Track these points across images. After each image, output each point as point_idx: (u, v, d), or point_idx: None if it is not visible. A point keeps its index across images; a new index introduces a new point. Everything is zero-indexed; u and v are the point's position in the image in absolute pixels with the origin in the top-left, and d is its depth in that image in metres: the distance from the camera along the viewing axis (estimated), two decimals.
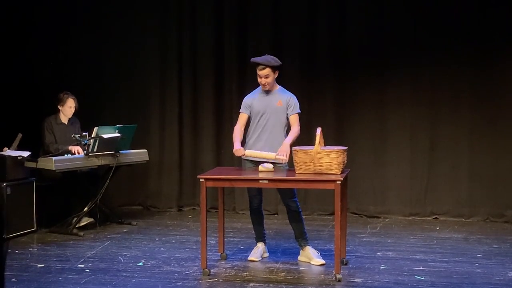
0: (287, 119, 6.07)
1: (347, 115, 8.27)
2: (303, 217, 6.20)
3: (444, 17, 7.96)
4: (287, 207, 6.13)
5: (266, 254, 6.29)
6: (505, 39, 7.83)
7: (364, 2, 8.17)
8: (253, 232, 6.33)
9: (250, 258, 6.16)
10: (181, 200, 8.74)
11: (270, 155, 5.91)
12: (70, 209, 7.43)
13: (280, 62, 6.03)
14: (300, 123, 6.11)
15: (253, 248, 6.27)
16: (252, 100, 6.13)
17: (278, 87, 6.13)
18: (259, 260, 6.15)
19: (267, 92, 6.08)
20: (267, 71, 5.95)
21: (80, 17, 8.73)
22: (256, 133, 6.09)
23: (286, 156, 5.82)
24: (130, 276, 5.69)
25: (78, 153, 7.33)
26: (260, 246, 6.26)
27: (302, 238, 6.16)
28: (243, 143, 6.12)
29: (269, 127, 6.04)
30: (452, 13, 7.93)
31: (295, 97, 6.12)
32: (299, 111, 6.10)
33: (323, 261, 6.00)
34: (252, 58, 6.08)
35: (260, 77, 5.98)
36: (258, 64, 5.97)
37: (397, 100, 8.16)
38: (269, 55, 6.06)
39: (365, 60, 8.18)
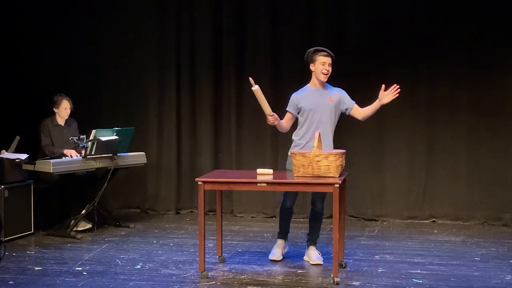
0: (339, 114, 6.19)
1: (344, 117, 8.23)
2: (322, 221, 6.26)
3: (443, 19, 7.97)
4: (313, 205, 6.18)
5: (286, 249, 6.36)
6: (504, 41, 7.84)
7: (362, 5, 8.18)
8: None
9: (271, 258, 6.22)
10: (179, 203, 8.74)
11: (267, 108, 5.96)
12: (68, 212, 7.43)
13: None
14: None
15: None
16: (300, 98, 6.13)
17: (326, 83, 6.16)
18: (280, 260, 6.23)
19: (318, 88, 6.09)
20: (331, 60, 6.03)
21: (78, 20, 8.71)
22: (308, 131, 6.08)
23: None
24: (127, 279, 5.68)
25: (72, 157, 7.32)
26: (281, 243, 6.32)
27: (311, 238, 6.22)
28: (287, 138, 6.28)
29: (320, 124, 6.04)
30: (451, 14, 7.94)
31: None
32: None
33: (319, 262, 6.06)
34: (311, 49, 6.10)
35: (324, 64, 6.00)
36: (323, 50, 6.03)
37: (395, 103, 8.09)
38: None
39: (363, 63, 8.18)
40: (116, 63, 8.72)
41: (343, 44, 8.21)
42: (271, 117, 5.96)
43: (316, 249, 6.22)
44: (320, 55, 6.01)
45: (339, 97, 6.12)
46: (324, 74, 6.02)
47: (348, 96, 6.17)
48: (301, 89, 6.22)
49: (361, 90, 8.17)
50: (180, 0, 8.60)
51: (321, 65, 6.01)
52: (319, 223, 6.23)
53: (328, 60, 6.01)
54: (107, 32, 8.72)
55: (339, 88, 6.19)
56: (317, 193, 6.10)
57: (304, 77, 8.30)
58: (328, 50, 6.05)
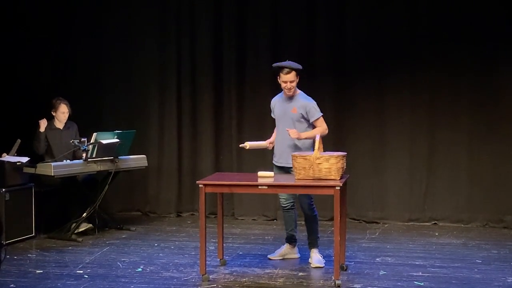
0: (310, 126, 6.07)
1: (346, 120, 8.26)
2: (318, 222, 6.26)
3: (443, 22, 7.96)
4: (302, 208, 6.18)
5: (294, 256, 6.37)
6: (504, 44, 7.84)
7: (363, 8, 8.18)
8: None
9: (268, 256, 6.34)
10: (180, 205, 8.73)
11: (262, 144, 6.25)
12: (69, 215, 7.43)
13: (301, 66, 6.05)
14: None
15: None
16: (274, 104, 6.22)
17: (299, 92, 6.13)
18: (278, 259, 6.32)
19: (286, 98, 6.10)
20: (293, 75, 5.96)
21: (79, 23, 8.72)
22: (278, 140, 6.15)
23: (295, 133, 5.87)
24: (128, 282, 5.68)
25: (40, 126, 7.48)
26: (285, 247, 6.37)
27: (309, 241, 6.23)
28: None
29: (283, 133, 6.03)
30: (451, 18, 7.94)
31: (313, 102, 6.09)
32: (321, 114, 6.08)
33: (319, 265, 6.06)
34: (274, 64, 6.08)
35: (285, 82, 5.97)
36: (283, 68, 5.96)
37: (396, 106, 8.16)
38: (289, 61, 6.05)
39: (364, 65, 8.18)
40: (118, 66, 8.72)
41: (344, 48, 8.21)
42: (269, 145, 6.22)
43: (318, 252, 6.21)
44: (281, 73, 5.98)
45: (305, 109, 6.04)
46: (287, 91, 6.02)
47: (314, 111, 6.05)
48: (278, 94, 6.25)
49: (362, 93, 8.22)
50: (181, 5, 8.60)
51: (283, 83, 6.00)
52: (312, 225, 6.20)
53: (288, 78, 5.94)
54: (109, 36, 8.72)
55: (309, 101, 6.10)
56: (300, 195, 6.11)
57: (302, 80, 8.34)
58: (289, 65, 5.96)
